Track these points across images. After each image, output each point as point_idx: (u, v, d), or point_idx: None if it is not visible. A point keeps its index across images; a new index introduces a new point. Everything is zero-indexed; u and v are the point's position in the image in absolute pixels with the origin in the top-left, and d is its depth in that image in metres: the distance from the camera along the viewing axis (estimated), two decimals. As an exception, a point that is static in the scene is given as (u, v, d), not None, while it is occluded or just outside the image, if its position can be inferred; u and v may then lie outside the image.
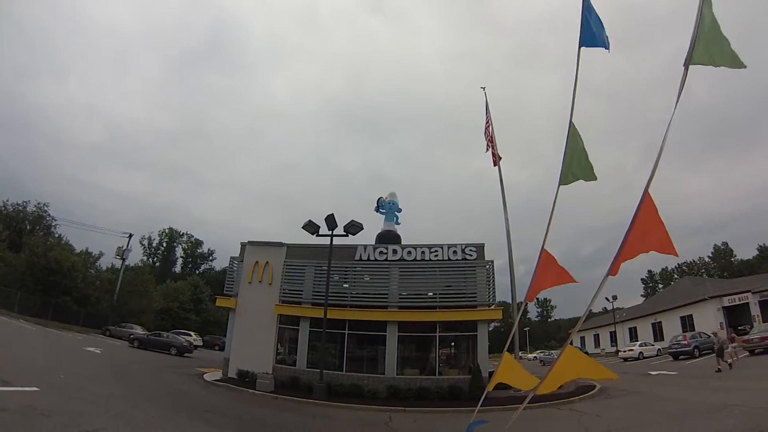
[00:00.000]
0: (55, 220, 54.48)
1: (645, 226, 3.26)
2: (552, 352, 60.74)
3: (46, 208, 54.25)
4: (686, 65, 3.40)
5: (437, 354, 19.22)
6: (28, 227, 52.85)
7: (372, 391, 16.93)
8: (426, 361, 19.43)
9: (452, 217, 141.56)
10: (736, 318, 40.93)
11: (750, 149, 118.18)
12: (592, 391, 16.94)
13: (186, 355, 30.53)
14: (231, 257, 22.45)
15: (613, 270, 3.24)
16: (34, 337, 23.01)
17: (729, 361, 19.21)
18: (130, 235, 49.58)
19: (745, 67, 3.36)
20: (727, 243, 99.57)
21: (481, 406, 4.03)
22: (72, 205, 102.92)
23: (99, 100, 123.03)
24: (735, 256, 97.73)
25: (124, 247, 47.90)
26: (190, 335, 42.49)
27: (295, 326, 19.68)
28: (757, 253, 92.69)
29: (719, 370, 18.37)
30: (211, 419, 10.44)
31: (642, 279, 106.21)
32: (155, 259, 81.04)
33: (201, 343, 42.73)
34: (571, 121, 3.94)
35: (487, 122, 21.03)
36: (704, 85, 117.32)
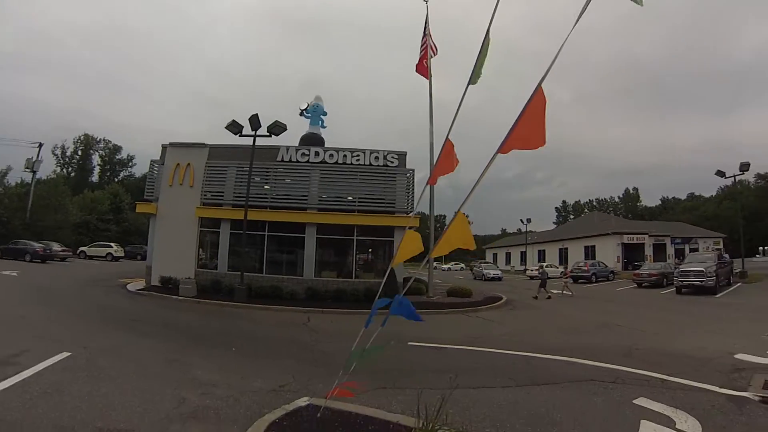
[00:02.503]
0: (-48, 135, 48.73)
1: (531, 122, 3.35)
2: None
3: (-59, 122, 48.33)
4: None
5: (354, 258, 20.00)
6: None
7: (291, 292, 17.49)
8: (343, 265, 20.15)
9: (384, 130, 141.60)
10: (632, 254, 45.83)
11: (676, 111, 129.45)
12: (498, 302, 18.60)
13: (48, 261, 30.72)
14: (151, 160, 21.45)
15: (503, 149, 3.44)
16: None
17: (564, 290, 22.43)
18: (40, 145, 45.65)
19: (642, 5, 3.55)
20: (637, 189, 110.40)
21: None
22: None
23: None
24: (641, 201, 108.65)
25: (34, 159, 44.13)
26: (111, 246, 41.07)
27: (216, 229, 19.53)
28: (660, 203, 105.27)
29: (536, 298, 21.02)
30: (137, 327, 10.45)
31: (556, 208, 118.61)
32: (70, 169, 76.35)
33: (122, 254, 41.57)
34: (489, 29, 4.09)
35: (425, 36, 20.57)
36: (651, 42, 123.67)
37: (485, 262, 51.86)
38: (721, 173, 29.81)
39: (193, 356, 7.74)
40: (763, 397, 5.90)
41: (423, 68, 20.66)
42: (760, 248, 57.68)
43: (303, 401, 5.42)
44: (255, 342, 9.82)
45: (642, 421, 5.09)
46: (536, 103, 3.31)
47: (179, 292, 16.67)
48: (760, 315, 13.81)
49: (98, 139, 79.88)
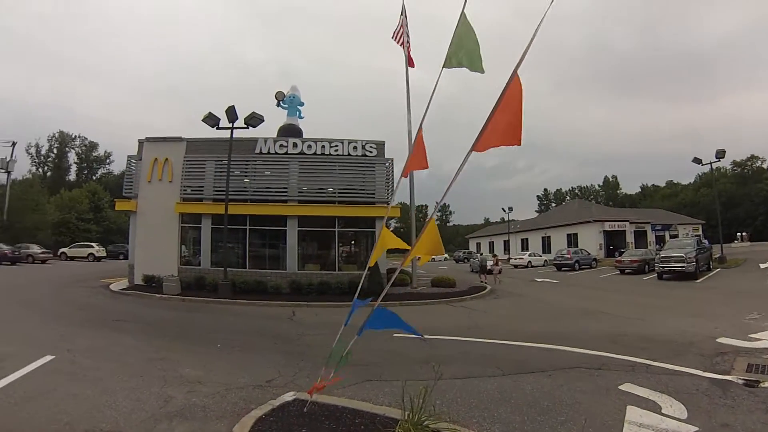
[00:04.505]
0: None
1: (507, 112, 3.25)
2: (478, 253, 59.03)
3: None
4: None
5: (337, 250, 19.97)
6: None
7: (275, 286, 17.35)
8: (327, 258, 20.13)
9: (360, 118, 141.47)
10: (614, 241, 46.55)
11: (648, 99, 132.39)
12: (483, 292, 18.65)
13: (18, 263, 29.50)
14: (128, 156, 20.95)
15: (477, 147, 3.39)
16: None
17: (496, 280, 22.81)
18: (14, 144, 44.26)
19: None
20: (616, 177, 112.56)
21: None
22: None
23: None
24: (621, 189, 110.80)
25: (8, 158, 42.70)
26: (92, 247, 40.26)
27: (197, 224, 19.33)
28: (639, 190, 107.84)
29: (484, 283, 21.44)
30: (121, 327, 10.25)
31: (537, 196, 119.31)
32: (46, 168, 74.33)
33: (104, 254, 40.68)
34: (463, 10, 4.03)
35: (401, 23, 20.06)
36: (623, 33, 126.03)
37: (479, 254, 51.97)
38: (697, 160, 30.17)
39: (179, 354, 7.65)
40: (746, 380, 5.94)
41: (411, 59, 20.35)
42: (738, 234, 59.27)
43: (289, 396, 5.36)
44: (240, 337, 9.68)
45: (628, 407, 5.09)
46: (512, 91, 3.20)
47: (163, 290, 16.41)
48: (739, 299, 14.00)
49: (74, 137, 77.87)
